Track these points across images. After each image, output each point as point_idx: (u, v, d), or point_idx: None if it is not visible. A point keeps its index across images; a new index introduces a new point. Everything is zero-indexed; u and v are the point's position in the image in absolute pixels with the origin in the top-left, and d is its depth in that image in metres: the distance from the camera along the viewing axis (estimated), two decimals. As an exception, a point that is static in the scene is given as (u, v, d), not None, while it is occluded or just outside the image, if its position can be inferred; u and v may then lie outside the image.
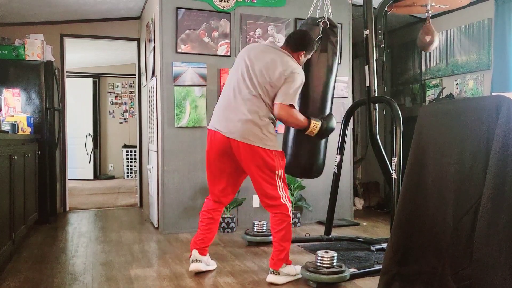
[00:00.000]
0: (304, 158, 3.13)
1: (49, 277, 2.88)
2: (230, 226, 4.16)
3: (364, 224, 4.57)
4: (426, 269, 2.03)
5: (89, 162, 8.33)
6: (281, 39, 4.37)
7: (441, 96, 4.89)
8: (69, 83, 6.03)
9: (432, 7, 3.66)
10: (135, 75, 6.01)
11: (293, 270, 2.77)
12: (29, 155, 3.83)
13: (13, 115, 4.09)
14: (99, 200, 6.14)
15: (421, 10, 3.78)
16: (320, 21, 3.15)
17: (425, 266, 2.04)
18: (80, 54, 7.22)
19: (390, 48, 5.59)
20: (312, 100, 3.05)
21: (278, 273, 2.72)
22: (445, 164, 1.99)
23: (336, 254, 2.70)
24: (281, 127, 3.73)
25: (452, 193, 1.94)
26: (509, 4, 4.06)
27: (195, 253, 2.89)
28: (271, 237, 2.91)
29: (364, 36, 3.39)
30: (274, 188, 2.75)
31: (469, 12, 4.56)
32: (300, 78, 2.72)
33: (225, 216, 4.14)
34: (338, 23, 4.48)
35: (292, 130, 3.14)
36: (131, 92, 9.19)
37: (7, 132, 3.63)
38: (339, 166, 3.64)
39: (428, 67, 5.15)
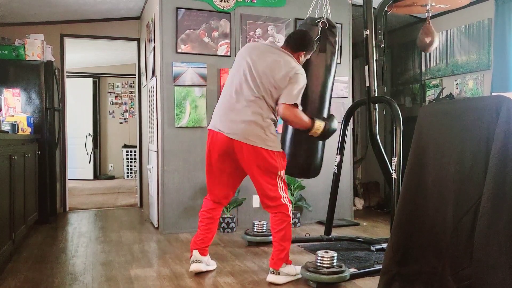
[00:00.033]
0: (302, 158, 3.13)
1: (49, 277, 2.88)
2: (230, 226, 4.16)
3: (364, 224, 4.57)
4: (426, 269, 2.03)
5: (89, 162, 8.33)
6: (281, 39, 4.37)
7: (441, 96, 4.89)
8: (69, 83, 6.03)
9: (432, 7, 3.66)
10: (135, 75, 6.01)
11: (293, 270, 2.77)
12: (29, 155, 3.83)
13: (13, 115, 4.09)
14: (99, 200, 6.14)
15: (421, 10, 3.78)
16: (319, 21, 3.16)
17: (425, 266, 2.04)
18: (80, 54, 7.23)
19: (390, 48, 5.59)
20: (311, 100, 3.06)
21: (278, 273, 2.72)
22: (445, 164, 1.99)
23: (336, 254, 2.70)
24: (279, 127, 3.73)
25: (452, 193, 1.94)
26: (509, 4, 4.06)
27: (196, 253, 2.89)
28: (271, 237, 2.91)
29: (364, 36, 3.39)
30: (275, 189, 2.75)
31: (469, 12, 4.56)
32: (303, 78, 2.74)
33: (225, 216, 4.14)
34: (338, 23, 4.49)
35: (290, 130, 3.15)
36: (131, 92, 9.19)
37: (7, 132, 3.63)
38: (339, 166, 3.64)
39: (428, 67, 5.15)
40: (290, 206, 2.79)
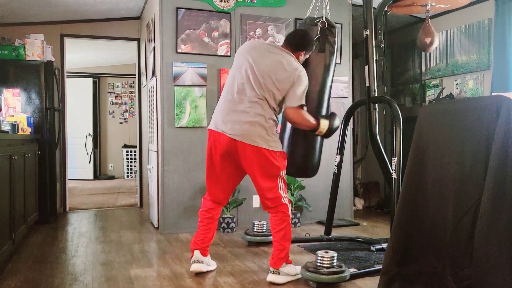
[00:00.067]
0: (299, 158, 3.13)
1: (49, 277, 2.88)
2: (230, 226, 4.16)
3: (364, 224, 4.57)
4: (426, 269, 2.03)
5: (89, 162, 8.33)
6: (281, 39, 4.37)
7: (441, 96, 4.90)
8: (69, 83, 6.03)
9: (432, 7, 3.66)
10: (135, 75, 6.01)
11: (293, 269, 2.78)
12: (29, 155, 3.83)
13: (13, 115, 4.09)
14: (99, 200, 6.14)
15: (421, 10, 3.78)
16: (319, 21, 3.16)
17: (425, 266, 2.04)
18: (80, 54, 7.23)
19: (390, 48, 5.59)
20: (309, 100, 3.05)
21: (278, 273, 2.72)
22: (445, 164, 1.99)
23: (336, 254, 2.70)
24: (278, 127, 3.73)
25: (452, 193, 1.94)
26: (509, 4, 4.06)
27: (197, 253, 2.89)
28: (271, 237, 2.91)
29: (364, 36, 3.39)
30: (275, 189, 2.76)
31: (469, 12, 4.56)
32: (305, 78, 2.77)
33: (225, 216, 4.14)
34: (338, 23, 4.49)
35: (288, 129, 3.15)
36: (131, 92, 9.19)
37: (7, 132, 3.63)
38: (339, 166, 3.64)
39: (428, 67, 5.15)
40: (289, 206, 2.80)
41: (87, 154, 8.27)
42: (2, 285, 2.72)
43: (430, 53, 5.05)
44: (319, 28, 3.13)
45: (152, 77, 4.53)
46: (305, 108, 2.79)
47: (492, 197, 1.73)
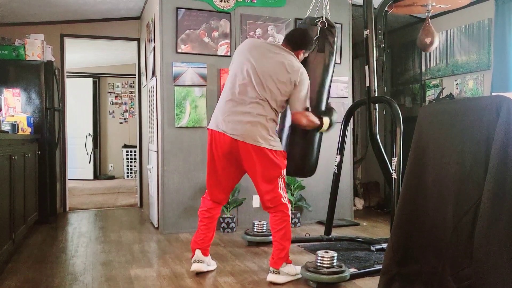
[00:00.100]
0: (297, 157, 3.14)
1: (49, 277, 2.88)
2: (230, 226, 4.16)
3: (364, 224, 4.57)
4: (426, 269, 2.03)
5: (89, 162, 8.33)
6: (281, 39, 4.36)
7: (441, 96, 4.89)
8: (69, 83, 6.03)
9: (432, 7, 3.66)
10: (135, 75, 6.01)
11: (293, 269, 2.78)
12: (29, 155, 3.83)
13: (13, 115, 4.09)
14: (99, 200, 6.14)
15: (421, 10, 3.78)
16: (318, 21, 3.16)
17: (425, 266, 2.04)
18: (80, 54, 7.23)
19: (390, 48, 5.59)
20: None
21: (278, 272, 2.73)
22: (445, 164, 1.99)
23: (336, 254, 2.71)
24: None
25: (452, 193, 1.94)
26: (509, 4, 4.06)
27: (198, 253, 2.90)
28: (271, 237, 2.91)
29: (364, 36, 3.39)
30: (276, 189, 2.76)
31: (469, 12, 4.56)
32: (307, 78, 2.79)
33: (225, 216, 4.14)
34: (338, 23, 4.49)
35: (285, 129, 3.16)
36: (131, 92, 9.19)
37: (7, 132, 3.63)
38: (339, 166, 3.64)
39: (428, 67, 5.15)
40: (289, 206, 2.80)
41: (87, 154, 8.27)
42: (2, 285, 2.72)
43: (430, 53, 5.05)
44: (319, 28, 3.13)
45: (152, 77, 4.53)
46: (309, 109, 2.81)
47: (492, 197, 1.73)
